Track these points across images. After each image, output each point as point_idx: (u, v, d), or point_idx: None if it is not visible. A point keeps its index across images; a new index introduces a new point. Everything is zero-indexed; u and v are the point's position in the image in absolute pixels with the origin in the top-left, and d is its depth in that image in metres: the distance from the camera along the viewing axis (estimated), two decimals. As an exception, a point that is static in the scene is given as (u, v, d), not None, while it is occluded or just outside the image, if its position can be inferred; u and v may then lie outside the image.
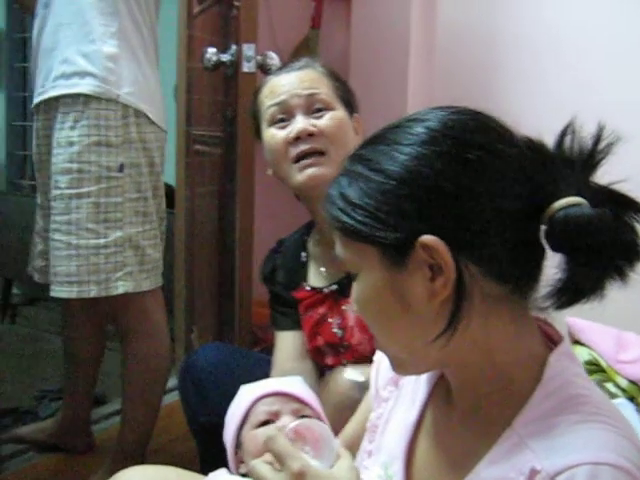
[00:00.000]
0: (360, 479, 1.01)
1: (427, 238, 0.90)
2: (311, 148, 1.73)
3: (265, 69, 2.61)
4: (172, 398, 2.81)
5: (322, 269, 1.87)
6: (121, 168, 2.18)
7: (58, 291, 2.20)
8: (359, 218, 0.93)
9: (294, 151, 1.74)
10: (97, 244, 2.17)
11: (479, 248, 0.91)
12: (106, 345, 2.77)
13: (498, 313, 0.95)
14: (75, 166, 2.15)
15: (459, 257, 0.90)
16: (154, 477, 1.38)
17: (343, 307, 1.80)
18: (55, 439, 2.68)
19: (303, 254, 1.92)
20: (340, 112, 1.79)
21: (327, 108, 1.77)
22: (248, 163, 2.68)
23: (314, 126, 1.74)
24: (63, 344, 2.69)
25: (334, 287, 1.82)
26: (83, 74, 2.16)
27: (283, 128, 1.76)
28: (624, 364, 2.11)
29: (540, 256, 0.95)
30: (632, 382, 2.10)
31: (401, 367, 1.03)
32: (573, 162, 0.93)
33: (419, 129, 0.94)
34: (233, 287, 2.79)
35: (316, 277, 1.89)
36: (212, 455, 1.76)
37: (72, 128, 2.16)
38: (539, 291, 0.95)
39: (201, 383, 1.95)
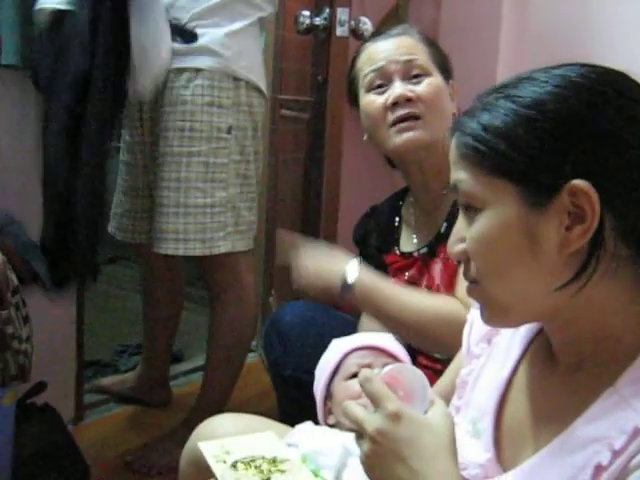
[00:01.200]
0: (454, 426, 1.00)
1: (580, 183, 0.88)
2: (409, 113, 1.74)
3: (357, 34, 2.62)
4: (250, 359, 2.86)
5: (414, 236, 1.89)
6: (229, 130, 2.23)
7: (164, 248, 2.25)
8: (507, 152, 0.91)
9: (392, 116, 1.76)
10: (204, 203, 2.22)
11: (622, 203, 0.90)
12: (185, 306, 2.83)
13: (620, 275, 0.93)
14: (188, 124, 2.20)
15: (603, 208, 0.88)
16: (246, 424, 1.41)
17: (432, 266, 1.80)
18: (134, 392, 2.76)
19: (396, 218, 1.95)
20: (437, 78, 1.80)
21: (424, 74, 1.79)
22: (337, 128, 2.68)
23: (412, 92, 1.75)
24: (142, 302, 2.76)
25: (424, 250, 1.83)
26: (201, 50, 2.19)
27: (381, 94, 1.79)
28: None
29: None
30: None
31: (502, 316, 1.00)
32: None
33: (572, 74, 0.93)
34: (315, 255, 2.78)
35: (407, 242, 1.90)
36: (293, 410, 1.79)
37: (185, 87, 2.19)
38: None
39: (286, 337, 1.99)
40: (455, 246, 1.00)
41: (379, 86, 1.79)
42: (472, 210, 0.96)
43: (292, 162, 3.07)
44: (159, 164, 2.25)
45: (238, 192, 2.29)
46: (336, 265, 1.72)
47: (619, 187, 0.89)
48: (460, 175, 0.96)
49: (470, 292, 1.01)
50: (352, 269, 1.70)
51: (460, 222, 0.99)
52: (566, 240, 0.90)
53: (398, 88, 1.76)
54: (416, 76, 1.78)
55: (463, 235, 0.98)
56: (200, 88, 2.19)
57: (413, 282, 1.84)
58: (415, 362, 1.74)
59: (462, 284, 1.65)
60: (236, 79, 2.23)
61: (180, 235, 2.22)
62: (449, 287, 1.74)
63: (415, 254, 1.85)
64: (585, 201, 0.88)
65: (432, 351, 1.73)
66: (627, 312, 0.95)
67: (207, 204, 2.22)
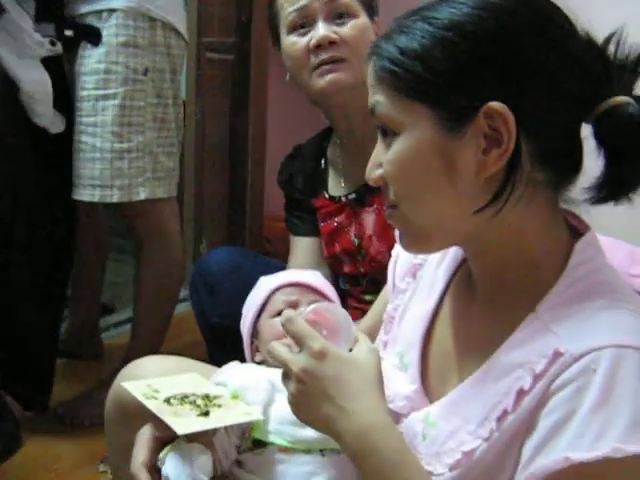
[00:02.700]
0: (380, 362, 1.01)
1: (496, 105, 0.87)
2: (332, 57, 1.68)
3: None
4: (182, 308, 2.83)
5: (342, 180, 1.86)
6: (145, 71, 2.16)
7: (81, 194, 2.19)
8: (424, 74, 0.89)
9: (315, 59, 1.69)
10: (121, 148, 2.16)
11: (538, 126, 0.89)
12: (115, 257, 2.79)
13: (537, 200, 0.93)
14: (103, 66, 2.13)
15: (520, 131, 0.88)
16: (170, 365, 1.39)
17: (363, 215, 1.79)
18: (63, 345, 2.69)
19: (322, 160, 1.90)
20: (362, 19, 1.73)
21: (349, 14, 1.71)
22: (262, 68, 2.65)
23: (336, 34, 1.68)
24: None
25: (352, 196, 1.81)
26: None
27: (304, 35, 1.71)
28: (636, 278, 2.11)
29: (582, 151, 0.94)
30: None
31: (421, 240, 0.99)
32: (623, 66, 0.92)
33: None
34: (244, 199, 2.76)
35: (335, 186, 1.87)
36: (222, 357, 1.77)
37: (100, 29, 2.13)
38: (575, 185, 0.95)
39: (213, 285, 1.97)
40: (373, 172, 0.98)
41: (301, 26, 1.72)
42: (389, 134, 0.94)
43: (219, 107, 3.02)
44: (76, 108, 2.19)
45: (155, 137, 2.23)
46: None
47: (535, 110, 0.89)
48: (378, 97, 0.94)
49: (389, 217, 1.00)
50: None
51: (378, 147, 0.98)
52: (483, 164, 0.89)
53: (321, 29, 1.68)
54: (340, 16, 1.71)
55: (381, 160, 0.96)
56: (114, 28, 2.12)
57: (342, 228, 1.82)
58: (345, 304, 1.73)
59: None
60: (152, 19, 2.15)
61: (96, 181, 2.16)
62: (382, 237, 1.74)
63: (343, 199, 1.83)
64: (501, 123, 0.87)
65: None
66: (545, 237, 0.96)
67: (124, 149, 2.16)
